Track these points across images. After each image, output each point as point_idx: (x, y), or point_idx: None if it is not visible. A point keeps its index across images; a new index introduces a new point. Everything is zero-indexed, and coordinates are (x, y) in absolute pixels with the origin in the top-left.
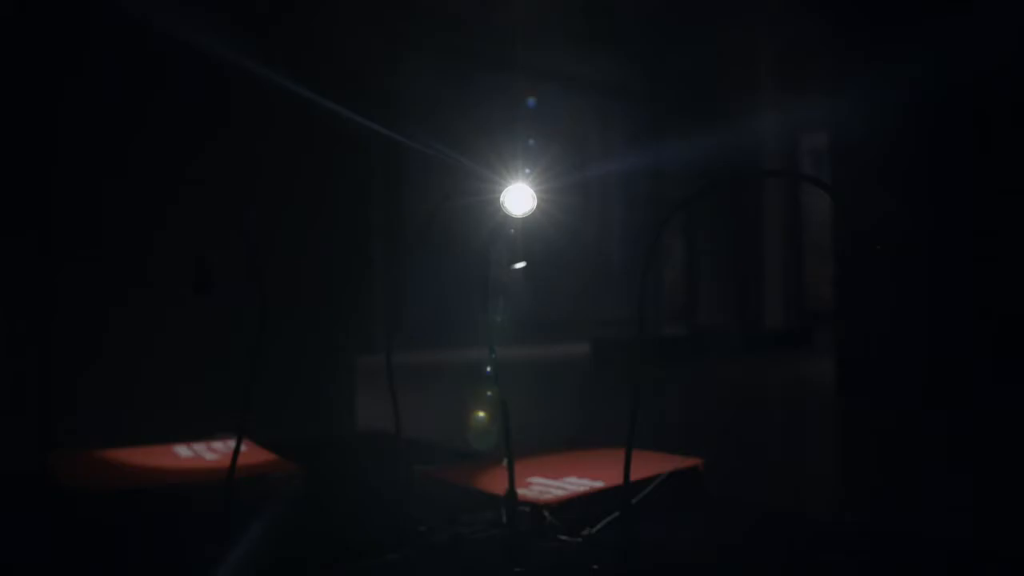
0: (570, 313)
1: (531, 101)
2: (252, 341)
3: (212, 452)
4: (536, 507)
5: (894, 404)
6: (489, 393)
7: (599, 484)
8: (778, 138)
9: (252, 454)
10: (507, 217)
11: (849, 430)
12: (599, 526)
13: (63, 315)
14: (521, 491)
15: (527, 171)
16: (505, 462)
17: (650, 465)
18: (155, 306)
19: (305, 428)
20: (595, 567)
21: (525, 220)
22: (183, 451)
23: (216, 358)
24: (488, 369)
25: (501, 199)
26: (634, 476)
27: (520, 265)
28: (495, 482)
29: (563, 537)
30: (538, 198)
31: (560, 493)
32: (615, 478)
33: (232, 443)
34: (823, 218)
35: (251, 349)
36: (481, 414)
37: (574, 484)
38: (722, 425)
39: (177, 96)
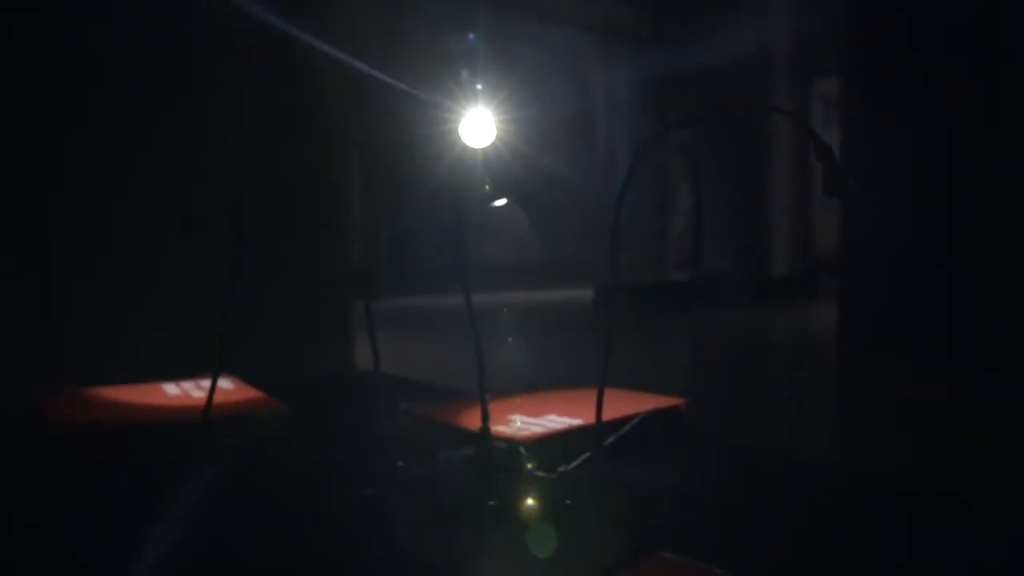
0: (573, 257)
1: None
2: (239, 280)
3: (199, 390)
4: (512, 443)
5: (894, 352)
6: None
7: (578, 422)
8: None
9: (239, 392)
10: (466, 148)
11: (846, 377)
12: (574, 464)
13: (57, 256)
14: (500, 428)
15: (478, 87)
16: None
17: (632, 404)
18: (144, 246)
19: (298, 369)
20: (568, 502)
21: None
22: (171, 389)
23: (209, 298)
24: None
25: (459, 129)
26: (615, 415)
27: (501, 203)
28: (475, 419)
29: (539, 473)
30: (499, 127)
31: (538, 430)
32: (592, 416)
33: (222, 381)
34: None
35: (228, 288)
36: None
37: (553, 422)
38: (717, 370)
39: (167, 36)
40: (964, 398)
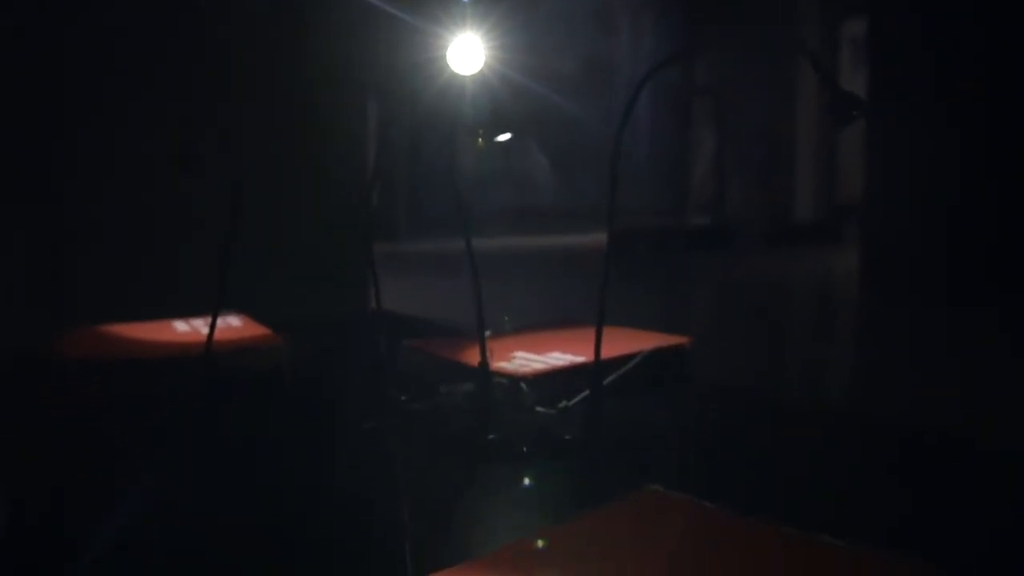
0: (593, 202)
1: None
2: (237, 215)
3: (208, 327)
4: (513, 379)
5: (916, 300)
6: None
7: (580, 359)
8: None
9: (246, 328)
10: (454, 76)
11: (865, 323)
12: (575, 400)
13: (68, 193)
14: (502, 364)
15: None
16: (489, 335)
17: (636, 342)
18: (159, 183)
19: (313, 309)
20: (567, 437)
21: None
22: (181, 326)
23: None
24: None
25: (447, 55)
26: (619, 352)
27: (505, 137)
28: (478, 356)
29: (539, 409)
30: (487, 55)
31: (539, 367)
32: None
33: (231, 319)
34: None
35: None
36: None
37: (556, 359)
38: (734, 313)
39: None
40: (988, 346)
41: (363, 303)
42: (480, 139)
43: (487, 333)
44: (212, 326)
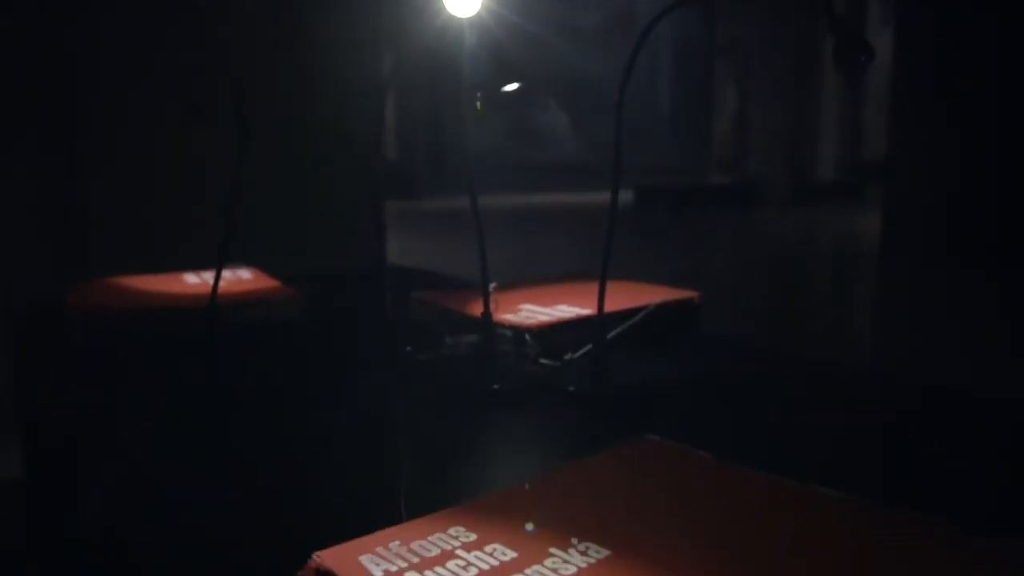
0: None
1: None
2: (270, 175)
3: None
4: (518, 331)
5: (937, 260)
6: None
7: (586, 312)
8: None
9: (256, 281)
10: (451, 18)
11: (884, 283)
12: (580, 352)
13: (83, 146)
14: (508, 316)
15: None
16: (494, 287)
17: (645, 296)
18: (175, 136)
19: (329, 263)
20: (571, 388)
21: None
22: (192, 279)
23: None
24: None
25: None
26: (627, 306)
27: (512, 87)
28: (495, 309)
29: (544, 361)
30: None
31: (544, 319)
32: (606, 307)
33: (241, 272)
34: (886, 64)
35: (234, 173)
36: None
37: (562, 312)
38: (752, 271)
39: None
40: (1005, 307)
41: (374, 256)
42: (478, 101)
43: (492, 285)
44: (218, 274)
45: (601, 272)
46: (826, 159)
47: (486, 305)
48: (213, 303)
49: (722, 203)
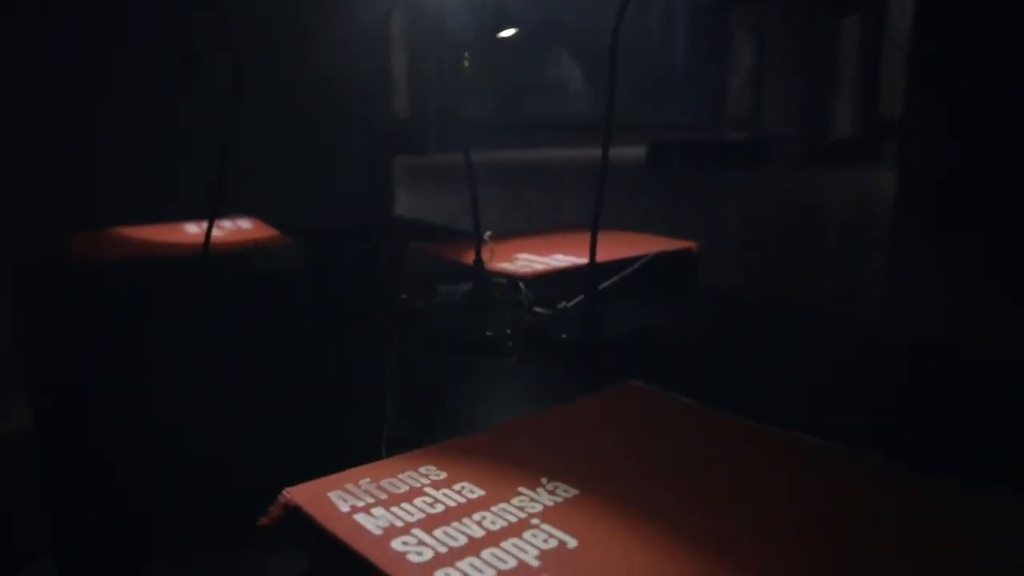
0: (627, 113)
1: None
2: (276, 129)
3: (219, 229)
4: (512, 279)
5: (949, 224)
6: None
7: (582, 261)
8: None
9: (256, 230)
10: None
11: (895, 243)
12: (574, 301)
13: (84, 96)
14: (504, 265)
15: None
16: (489, 236)
17: (643, 246)
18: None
19: (337, 216)
20: (564, 336)
21: None
22: (192, 228)
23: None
24: None
25: None
26: (624, 255)
27: (509, 33)
28: (490, 258)
29: (538, 309)
30: None
31: (539, 267)
32: (601, 256)
33: (241, 222)
34: (907, 21)
35: (260, 132)
36: None
37: (558, 261)
38: (762, 229)
39: None
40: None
41: (384, 209)
42: (466, 60)
43: (487, 234)
44: (210, 224)
45: (592, 222)
46: (843, 117)
47: (478, 253)
48: (206, 250)
49: (736, 160)
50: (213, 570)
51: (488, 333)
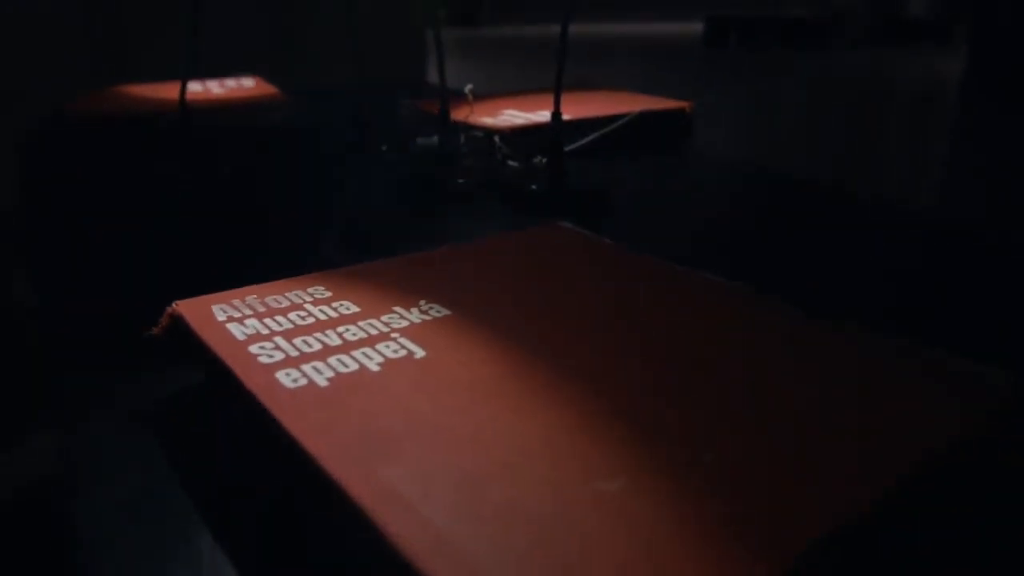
0: None
1: None
2: None
3: (221, 88)
4: (488, 133)
5: (1015, 109)
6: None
7: (565, 118)
8: None
9: (257, 88)
10: None
11: (956, 127)
12: (548, 157)
13: None
14: (484, 119)
15: None
16: (469, 90)
17: (637, 104)
18: None
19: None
20: (533, 187)
21: None
22: (194, 86)
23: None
24: None
25: None
26: (612, 111)
27: None
28: (465, 113)
29: (510, 162)
30: None
31: (519, 122)
32: (590, 113)
33: (244, 81)
34: None
35: None
36: None
37: (541, 116)
38: (815, 109)
39: None
40: None
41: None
42: None
43: (468, 87)
44: (184, 83)
45: (556, 76)
46: None
47: (443, 104)
48: (183, 105)
49: (799, 37)
50: (120, 384)
51: (460, 181)
